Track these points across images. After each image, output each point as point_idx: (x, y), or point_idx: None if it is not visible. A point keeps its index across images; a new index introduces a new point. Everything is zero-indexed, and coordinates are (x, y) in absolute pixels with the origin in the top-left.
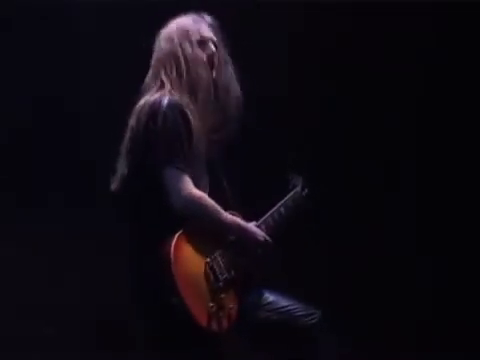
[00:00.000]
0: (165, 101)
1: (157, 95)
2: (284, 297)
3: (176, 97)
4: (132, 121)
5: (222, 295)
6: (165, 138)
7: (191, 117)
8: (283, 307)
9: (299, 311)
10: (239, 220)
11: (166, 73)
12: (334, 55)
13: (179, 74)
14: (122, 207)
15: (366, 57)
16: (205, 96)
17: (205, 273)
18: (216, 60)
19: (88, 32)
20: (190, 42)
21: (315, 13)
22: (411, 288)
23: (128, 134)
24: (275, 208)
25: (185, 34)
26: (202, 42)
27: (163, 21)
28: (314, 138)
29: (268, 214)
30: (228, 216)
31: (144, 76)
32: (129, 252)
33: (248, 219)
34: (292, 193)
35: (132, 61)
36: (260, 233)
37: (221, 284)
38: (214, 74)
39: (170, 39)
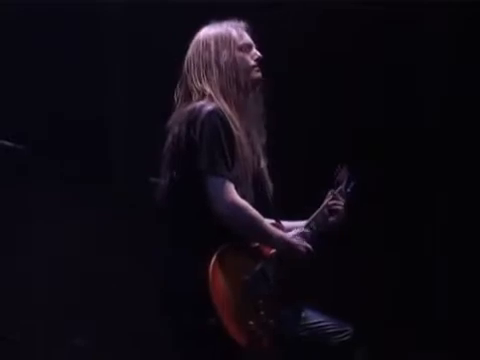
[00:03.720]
0: (205, 108)
1: (197, 103)
2: (316, 313)
3: (216, 104)
4: (173, 129)
5: (261, 312)
6: (206, 146)
7: (232, 124)
8: (314, 323)
9: (331, 328)
10: (282, 233)
11: (204, 80)
12: (334, 55)
13: (218, 81)
14: (165, 215)
15: (366, 58)
16: (241, 99)
17: (244, 291)
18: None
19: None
20: (229, 48)
21: (315, 13)
22: (411, 288)
23: (169, 141)
24: (319, 210)
25: (224, 41)
26: (246, 47)
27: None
28: (313, 138)
29: (312, 216)
30: (271, 228)
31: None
32: (167, 263)
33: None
34: (336, 191)
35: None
36: (302, 246)
37: (261, 301)
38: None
39: (207, 46)
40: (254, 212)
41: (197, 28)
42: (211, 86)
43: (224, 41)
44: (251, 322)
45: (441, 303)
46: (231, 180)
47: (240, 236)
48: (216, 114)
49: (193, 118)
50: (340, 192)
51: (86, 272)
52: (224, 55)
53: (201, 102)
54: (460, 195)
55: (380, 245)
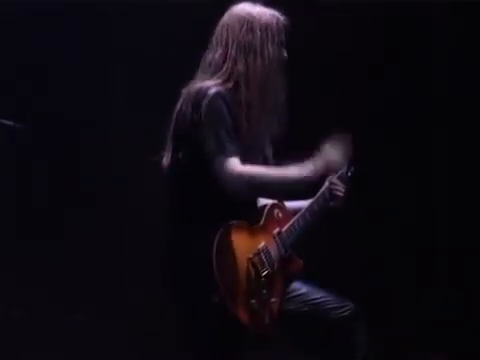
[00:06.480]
0: (211, 91)
1: (208, 83)
2: (317, 289)
3: (224, 88)
4: (180, 105)
5: (264, 291)
6: (211, 128)
7: (239, 108)
8: (315, 299)
9: (331, 304)
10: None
11: (241, 63)
12: (334, 55)
13: (260, 71)
14: (169, 194)
15: (366, 58)
16: (265, 97)
17: (247, 270)
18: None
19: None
20: (272, 41)
21: (315, 13)
22: (411, 288)
23: (174, 117)
24: (320, 192)
25: (270, 32)
26: (280, 44)
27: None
28: (313, 138)
29: (314, 198)
30: (286, 170)
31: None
32: (170, 241)
33: None
34: (336, 176)
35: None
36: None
37: (263, 280)
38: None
39: (251, 30)
40: (260, 169)
41: (197, 28)
42: (247, 71)
43: (270, 33)
44: (253, 300)
45: (442, 303)
46: (238, 154)
47: (247, 214)
48: (220, 97)
49: (199, 99)
50: (341, 176)
51: (86, 251)
52: (268, 48)
53: (209, 83)
54: (460, 194)
55: (380, 244)
